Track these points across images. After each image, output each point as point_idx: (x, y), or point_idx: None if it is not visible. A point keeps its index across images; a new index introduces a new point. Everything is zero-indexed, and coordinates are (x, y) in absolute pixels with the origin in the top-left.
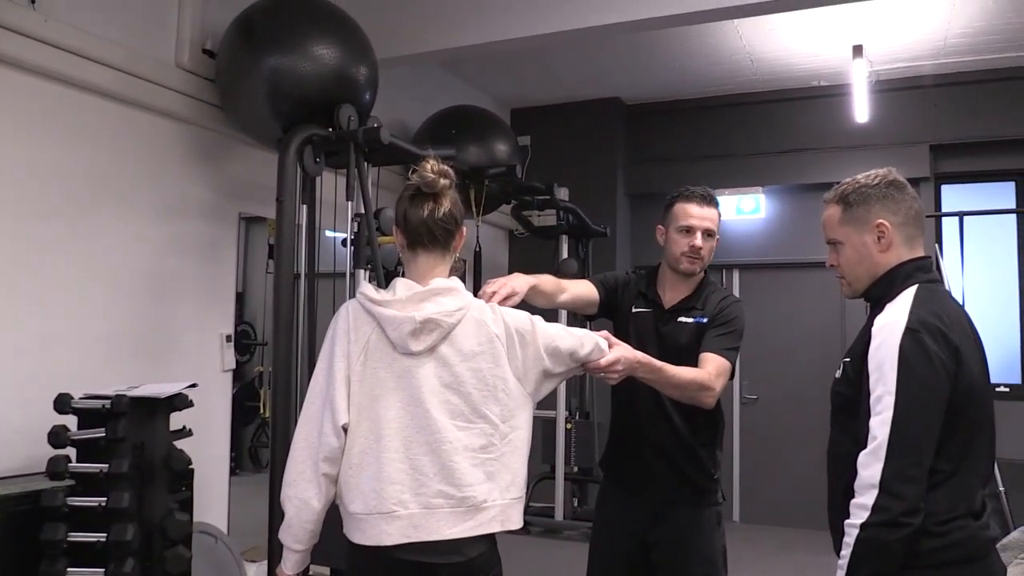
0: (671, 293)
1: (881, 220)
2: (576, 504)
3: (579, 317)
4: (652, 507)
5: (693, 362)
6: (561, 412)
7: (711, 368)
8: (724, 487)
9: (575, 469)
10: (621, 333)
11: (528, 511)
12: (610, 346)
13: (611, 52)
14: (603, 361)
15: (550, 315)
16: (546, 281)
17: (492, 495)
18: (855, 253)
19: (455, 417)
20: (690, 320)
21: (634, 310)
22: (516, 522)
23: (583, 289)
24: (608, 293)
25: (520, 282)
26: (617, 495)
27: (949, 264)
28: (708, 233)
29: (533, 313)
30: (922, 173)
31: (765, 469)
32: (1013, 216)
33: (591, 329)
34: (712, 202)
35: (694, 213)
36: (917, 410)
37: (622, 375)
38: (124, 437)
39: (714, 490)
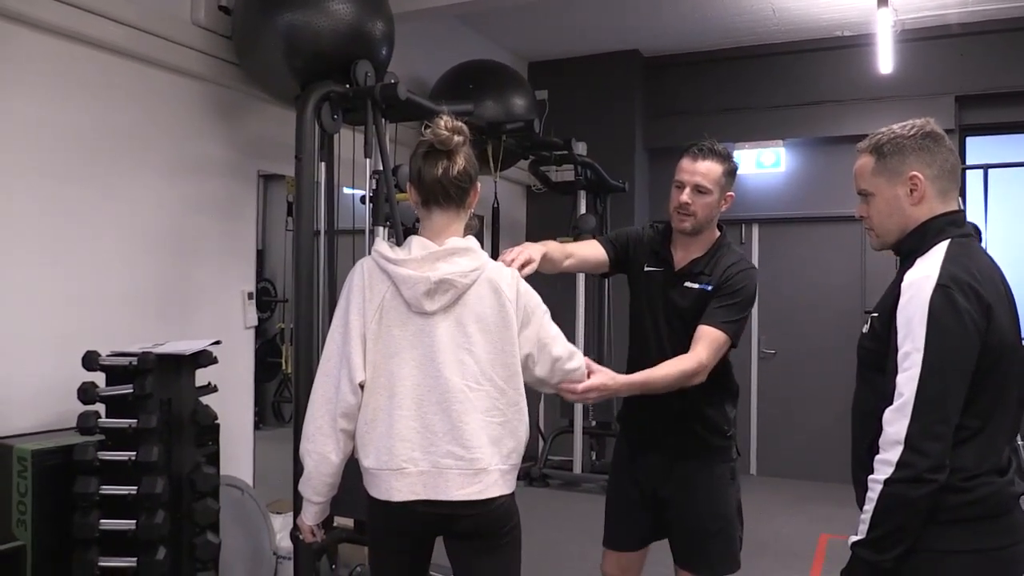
0: (682, 252)
1: (915, 172)
2: (594, 457)
3: (596, 278)
4: (665, 463)
5: (694, 326)
6: None
7: (702, 347)
8: (742, 441)
9: (593, 423)
10: (634, 293)
11: (547, 464)
12: (591, 373)
13: (630, 4)
14: (580, 387)
15: (568, 280)
16: (553, 248)
17: (494, 460)
18: (886, 205)
19: (466, 378)
20: (695, 286)
21: (646, 269)
22: (512, 487)
23: (589, 251)
24: (618, 252)
25: (535, 250)
26: (631, 451)
27: (973, 217)
28: (699, 189)
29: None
30: (947, 125)
31: (782, 423)
32: None
33: (609, 287)
34: (711, 156)
35: (686, 167)
36: (945, 368)
37: (596, 400)
38: (151, 393)
39: (727, 447)
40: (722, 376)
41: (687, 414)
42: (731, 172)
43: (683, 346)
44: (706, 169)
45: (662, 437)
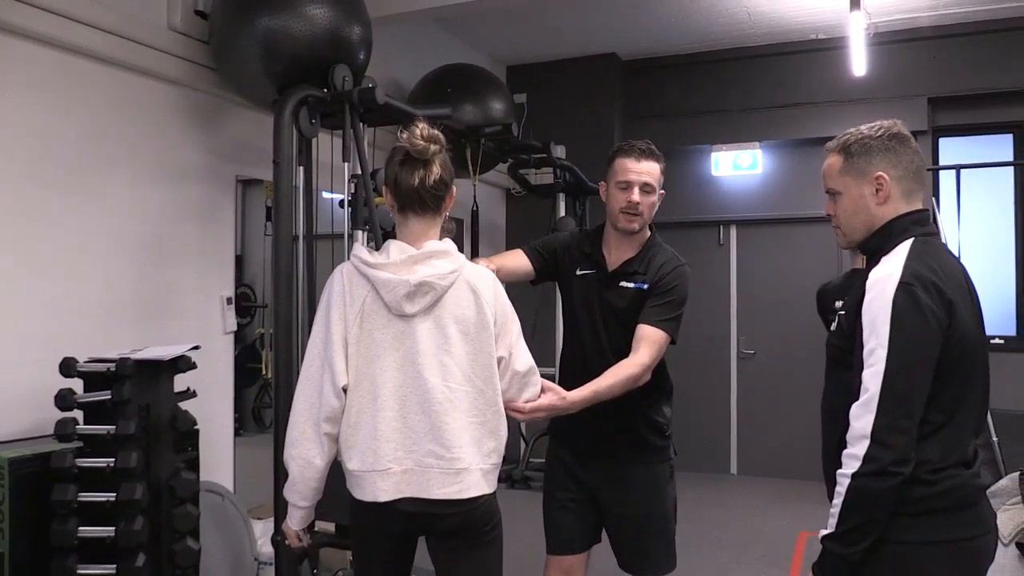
0: (616, 253)
1: (881, 172)
2: None
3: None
4: (607, 466)
5: (631, 325)
6: None
7: (644, 348)
8: (722, 440)
9: None
10: (567, 297)
11: (528, 466)
12: (544, 391)
13: (607, 7)
14: (527, 407)
15: (548, 284)
16: (483, 264)
17: (475, 459)
18: (853, 204)
19: (446, 379)
20: (631, 285)
21: (578, 273)
22: (493, 486)
23: (511, 261)
24: (544, 261)
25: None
26: (572, 455)
27: (946, 217)
28: (646, 188)
29: None
30: (920, 126)
31: (762, 423)
32: (1010, 169)
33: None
34: (651, 156)
35: (631, 167)
36: (908, 363)
37: (544, 418)
38: (130, 399)
39: (666, 446)
40: (659, 376)
41: (631, 417)
42: (664, 171)
43: (620, 346)
44: (649, 168)
45: (606, 440)
